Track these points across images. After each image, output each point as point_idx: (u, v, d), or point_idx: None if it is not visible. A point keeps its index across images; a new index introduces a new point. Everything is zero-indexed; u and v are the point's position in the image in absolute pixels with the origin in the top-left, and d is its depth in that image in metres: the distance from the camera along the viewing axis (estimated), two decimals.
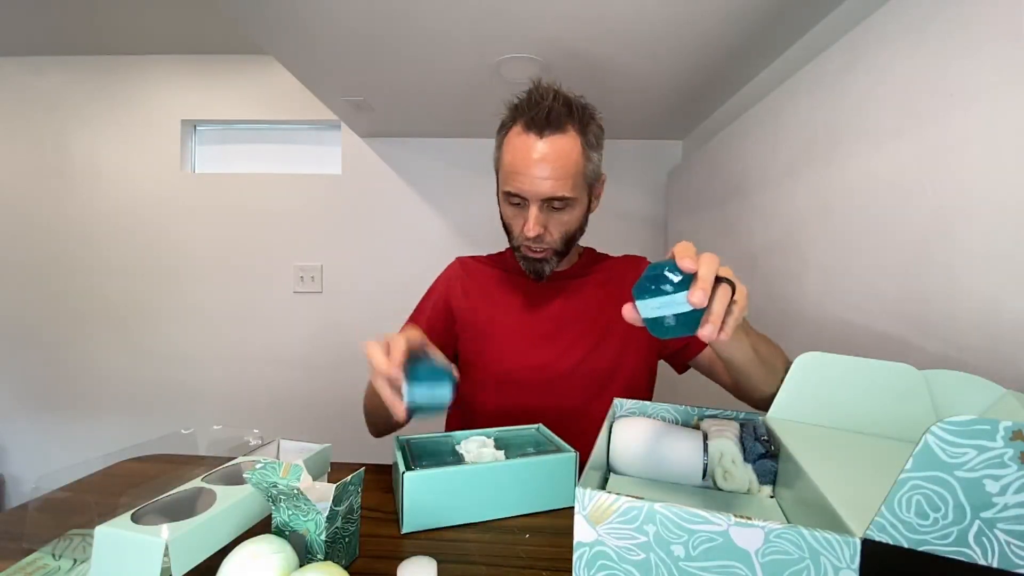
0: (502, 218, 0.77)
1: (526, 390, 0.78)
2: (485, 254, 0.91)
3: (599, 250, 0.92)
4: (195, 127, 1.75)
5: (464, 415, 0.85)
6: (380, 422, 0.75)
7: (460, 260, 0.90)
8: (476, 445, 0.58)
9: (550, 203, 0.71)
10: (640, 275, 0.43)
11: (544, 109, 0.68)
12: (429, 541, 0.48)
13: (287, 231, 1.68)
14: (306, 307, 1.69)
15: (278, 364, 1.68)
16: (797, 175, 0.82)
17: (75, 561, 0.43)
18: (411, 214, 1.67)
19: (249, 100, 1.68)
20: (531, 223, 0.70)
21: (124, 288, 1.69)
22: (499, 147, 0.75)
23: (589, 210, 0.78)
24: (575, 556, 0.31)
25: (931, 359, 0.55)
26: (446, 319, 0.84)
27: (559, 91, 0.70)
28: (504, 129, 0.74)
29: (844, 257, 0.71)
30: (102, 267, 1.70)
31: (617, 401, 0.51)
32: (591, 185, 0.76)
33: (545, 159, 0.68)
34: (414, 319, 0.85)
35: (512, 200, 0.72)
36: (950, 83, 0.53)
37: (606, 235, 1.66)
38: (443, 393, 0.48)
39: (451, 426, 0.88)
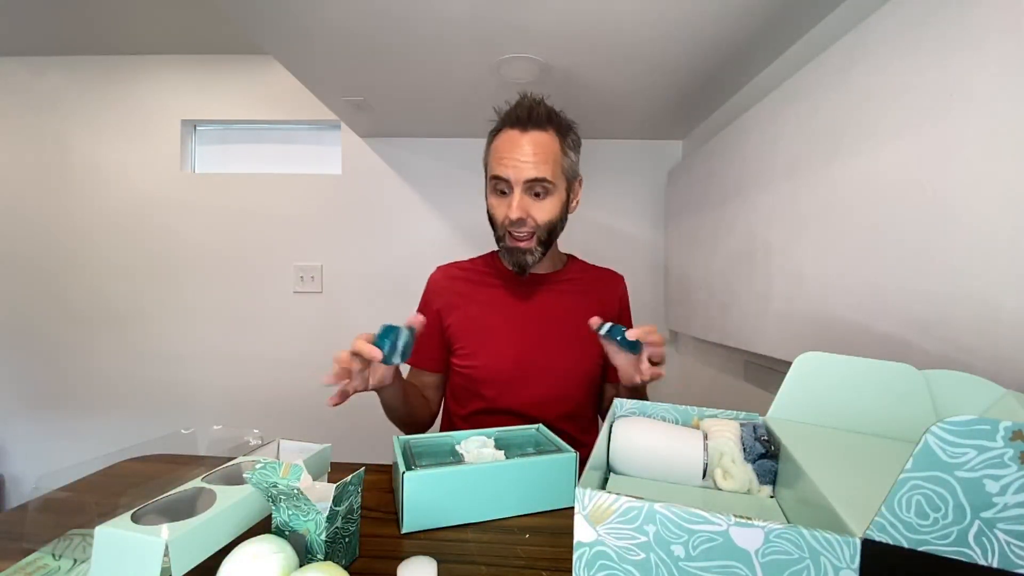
0: (489, 213, 0.84)
1: (513, 389, 0.83)
2: (466, 259, 0.96)
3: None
4: (195, 127, 1.75)
5: (454, 416, 0.89)
6: (402, 414, 0.80)
7: (441, 269, 0.94)
8: (476, 445, 0.58)
9: (532, 188, 0.78)
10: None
11: (526, 109, 0.78)
12: (429, 541, 0.48)
13: (287, 231, 1.68)
14: (306, 307, 1.68)
15: (278, 364, 1.68)
16: (797, 175, 0.82)
17: (75, 561, 0.43)
18: (411, 214, 1.67)
19: (249, 100, 1.68)
20: (515, 205, 0.77)
21: (124, 288, 1.69)
22: (488, 147, 0.84)
23: (568, 207, 0.84)
24: (575, 556, 0.31)
25: (931, 359, 0.55)
26: (438, 329, 0.88)
27: (543, 101, 0.81)
28: (493, 134, 0.83)
29: (844, 257, 0.71)
30: (102, 267, 1.70)
31: (617, 401, 0.51)
32: (570, 181, 0.83)
33: (528, 146, 0.77)
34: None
35: (498, 187, 0.80)
36: (950, 83, 0.53)
37: (607, 235, 1.67)
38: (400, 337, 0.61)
39: (445, 426, 0.93)
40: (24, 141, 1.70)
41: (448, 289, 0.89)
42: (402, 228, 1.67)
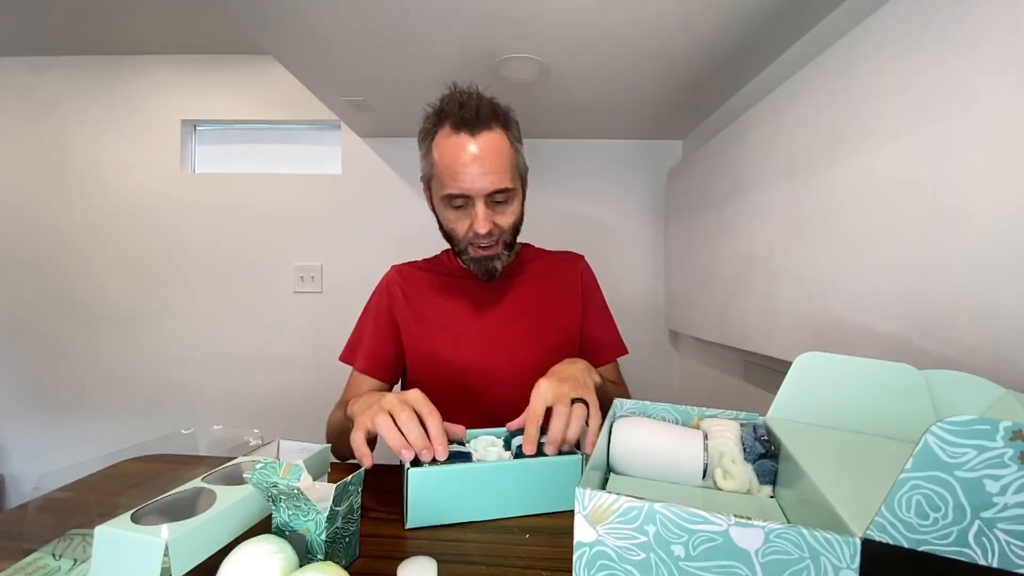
0: (441, 226, 0.80)
1: (477, 391, 0.79)
2: (420, 259, 0.92)
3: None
4: (195, 127, 1.75)
5: None
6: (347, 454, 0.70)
7: (396, 268, 0.89)
8: (484, 444, 0.58)
9: (493, 197, 0.72)
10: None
11: (472, 108, 0.70)
12: (430, 541, 0.48)
13: (287, 231, 1.68)
14: (306, 307, 1.69)
15: (278, 364, 1.68)
16: (797, 175, 0.82)
17: (75, 561, 0.43)
18: (411, 214, 1.67)
19: (249, 100, 1.68)
20: (481, 220, 0.72)
21: (124, 288, 1.69)
22: (428, 154, 0.75)
23: (523, 200, 0.81)
24: (575, 556, 0.31)
25: (931, 359, 0.55)
26: (391, 330, 0.84)
27: (480, 92, 0.73)
28: (429, 135, 0.74)
29: (844, 257, 0.71)
30: (102, 267, 1.70)
31: (617, 401, 0.51)
32: (523, 178, 0.79)
33: (483, 154, 0.70)
34: (356, 340, 0.85)
35: (454, 203, 0.74)
36: (950, 82, 0.53)
37: (607, 234, 1.67)
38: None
39: None
40: (24, 141, 1.70)
41: (404, 289, 0.85)
42: (402, 228, 1.67)
